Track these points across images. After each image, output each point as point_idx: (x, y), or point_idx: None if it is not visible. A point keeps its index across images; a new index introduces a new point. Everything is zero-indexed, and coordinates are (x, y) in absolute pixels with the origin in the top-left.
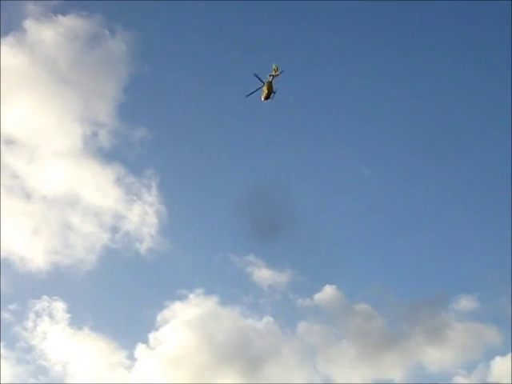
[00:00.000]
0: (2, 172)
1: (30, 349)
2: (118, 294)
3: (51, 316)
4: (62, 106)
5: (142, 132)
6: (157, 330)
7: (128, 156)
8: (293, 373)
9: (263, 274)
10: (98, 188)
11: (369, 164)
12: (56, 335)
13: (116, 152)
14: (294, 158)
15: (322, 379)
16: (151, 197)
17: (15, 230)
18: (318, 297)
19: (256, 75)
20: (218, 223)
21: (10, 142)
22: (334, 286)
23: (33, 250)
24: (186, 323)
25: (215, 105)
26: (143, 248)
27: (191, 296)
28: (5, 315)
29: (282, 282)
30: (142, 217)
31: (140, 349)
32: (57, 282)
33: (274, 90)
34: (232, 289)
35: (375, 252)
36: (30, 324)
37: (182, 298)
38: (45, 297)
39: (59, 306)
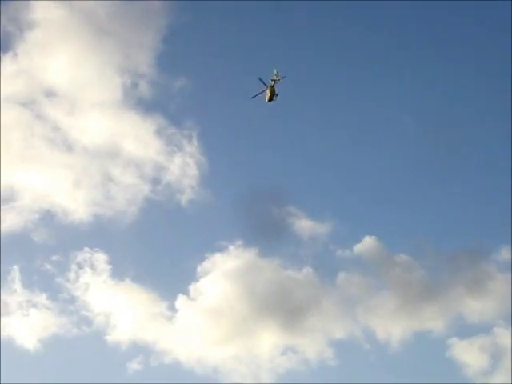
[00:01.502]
0: (43, 124)
1: (72, 300)
2: (158, 246)
3: (93, 267)
4: (102, 57)
5: (182, 82)
6: (197, 281)
7: (168, 106)
8: (332, 323)
9: (303, 225)
10: (138, 139)
11: (410, 115)
12: (98, 286)
13: (156, 103)
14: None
15: (362, 330)
16: (192, 148)
17: (57, 182)
18: (357, 248)
19: (260, 79)
20: (259, 174)
21: (51, 94)
22: (373, 237)
23: (75, 201)
24: (225, 275)
25: (254, 53)
26: (184, 199)
27: (231, 247)
28: (47, 266)
29: (322, 233)
30: (183, 168)
31: (181, 300)
32: (98, 233)
33: (276, 92)
34: (272, 240)
35: (415, 203)
36: (72, 275)
37: (221, 249)
38: (86, 248)
39: (101, 258)
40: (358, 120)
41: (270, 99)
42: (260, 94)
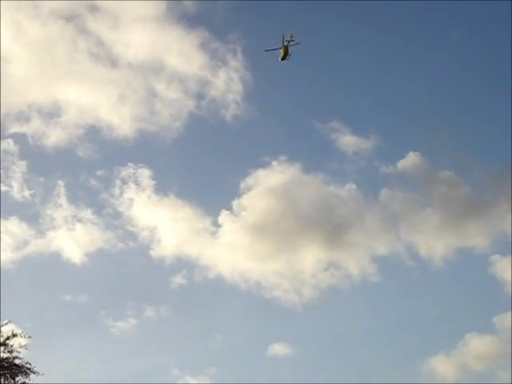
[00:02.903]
0: (86, 39)
1: (117, 215)
2: (202, 162)
3: (137, 183)
4: None
5: None
6: (240, 197)
7: (212, 20)
8: (375, 240)
9: (347, 141)
10: (182, 54)
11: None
12: (142, 202)
13: (200, 16)
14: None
15: (405, 247)
16: (236, 62)
17: (102, 97)
18: (401, 164)
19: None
20: (304, 89)
21: (94, 9)
22: (417, 153)
23: (119, 117)
24: (269, 190)
25: None
26: (228, 115)
27: (274, 163)
28: (92, 182)
29: (366, 149)
30: (228, 83)
31: (224, 215)
32: (142, 149)
33: (289, 53)
34: (315, 156)
35: (460, 118)
36: (116, 191)
37: (265, 165)
38: (130, 164)
39: (145, 173)
40: (405, 29)
41: (283, 58)
42: (275, 49)
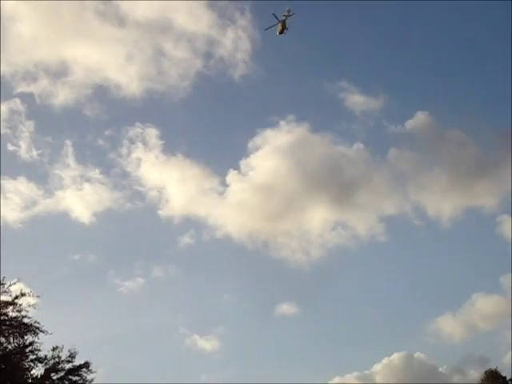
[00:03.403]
0: None
1: (125, 175)
2: (210, 121)
3: (145, 142)
4: None
5: None
6: (248, 156)
7: None
8: (383, 200)
9: (356, 100)
10: (190, 12)
11: None
12: (150, 161)
13: None
14: None
15: (413, 206)
16: (245, 21)
17: (109, 56)
18: (409, 123)
19: (274, 14)
20: (312, 48)
21: None
22: (426, 113)
23: (127, 76)
24: (276, 150)
25: None
26: (236, 74)
27: (282, 123)
28: (100, 142)
29: (374, 108)
30: (236, 42)
31: (232, 175)
32: (150, 108)
33: (287, 26)
34: (324, 115)
35: (470, 77)
36: (124, 151)
37: (273, 125)
38: (138, 123)
39: (152, 133)
40: None
41: (281, 32)
42: (273, 26)
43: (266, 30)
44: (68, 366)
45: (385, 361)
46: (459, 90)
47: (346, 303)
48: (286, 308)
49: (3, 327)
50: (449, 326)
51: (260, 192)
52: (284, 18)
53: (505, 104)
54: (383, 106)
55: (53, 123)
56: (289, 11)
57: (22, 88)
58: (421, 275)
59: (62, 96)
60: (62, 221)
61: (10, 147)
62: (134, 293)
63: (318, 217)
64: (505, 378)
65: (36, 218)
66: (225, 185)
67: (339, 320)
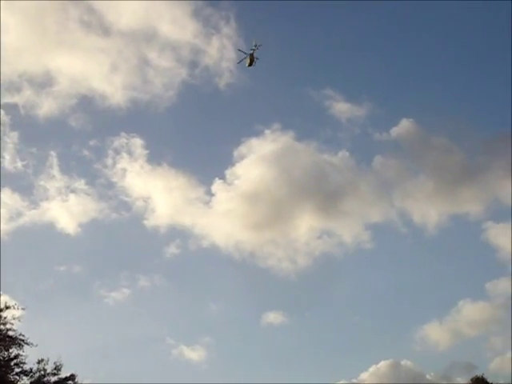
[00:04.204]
0: (78, 7)
1: (110, 185)
2: (195, 130)
3: (130, 153)
4: None
5: None
6: (233, 165)
7: None
8: (369, 207)
9: (341, 108)
10: (174, 21)
11: None
12: (135, 171)
13: None
14: None
15: (398, 214)
16: (229, 29)
17: (94, 66)
18: (394, 130)
19: (240, 50)
20: (296, 56)
21: None
22: (411, 120)
23: (111, 86)
24: (262, 159)
25: None
26: (222, 83)
27: (267, 131)
28: (85, 152)
29: (359, 116)
30: (221, 51)
31: (217, 184)
32: (135, 118)
33: (256, 58)
34: (309, 123)
35: (454, 84)
36: (109, 161)
37: (258, 133)
38: (123, 133)
39: (137, 143)
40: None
41: (250, 64)
42: (242, 60)
43: (238, 63)
44: (54, 378)
45: (372, 369)
46: (444, 98)
47: (333, 311)
48: (273, 317)
49: None
50: (435, 333)
51: (246, 201)
52: (252, 51)
53: (489, 111)
54: (368, 113)
55: (37, 134)
56: (255, 45)
57: (6, 99)
58: (407, 282)
59: (46, 106)
60: (47, 232)
61: None
62: (120, 303)
63: (303, 225)
64: None
65: (21, 230)
66: (210, 194)
67: (326, 328)
